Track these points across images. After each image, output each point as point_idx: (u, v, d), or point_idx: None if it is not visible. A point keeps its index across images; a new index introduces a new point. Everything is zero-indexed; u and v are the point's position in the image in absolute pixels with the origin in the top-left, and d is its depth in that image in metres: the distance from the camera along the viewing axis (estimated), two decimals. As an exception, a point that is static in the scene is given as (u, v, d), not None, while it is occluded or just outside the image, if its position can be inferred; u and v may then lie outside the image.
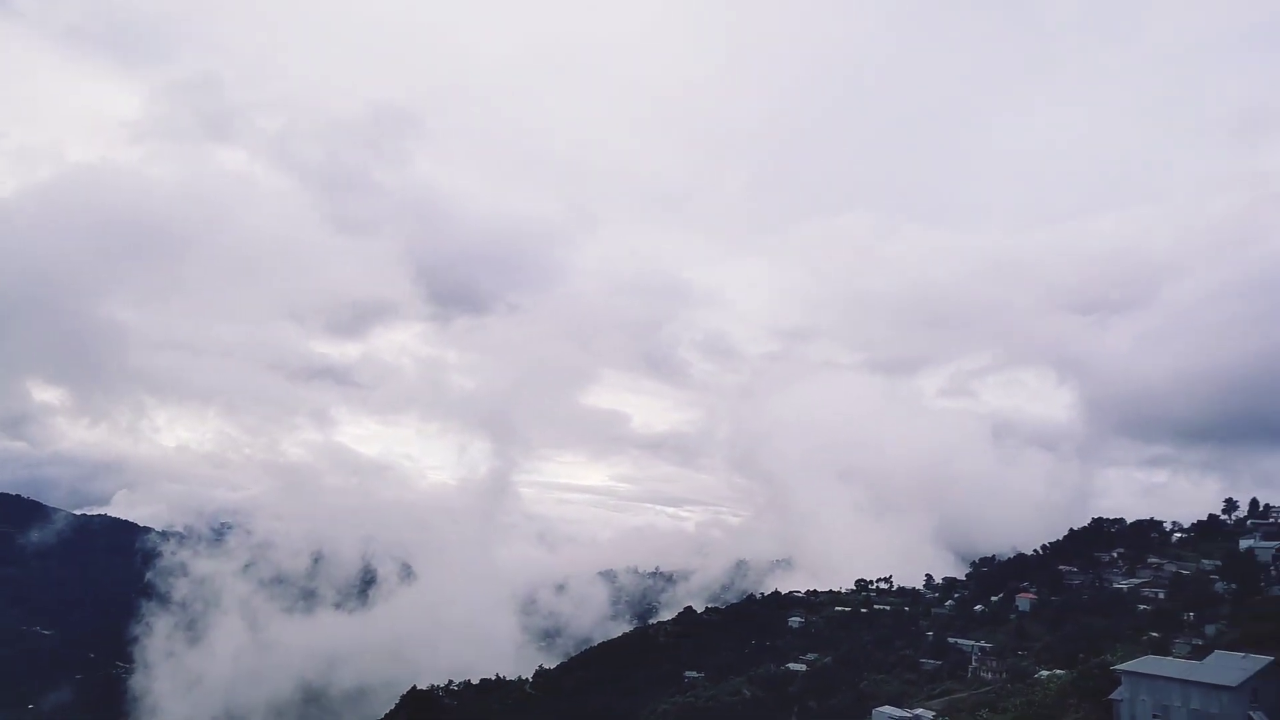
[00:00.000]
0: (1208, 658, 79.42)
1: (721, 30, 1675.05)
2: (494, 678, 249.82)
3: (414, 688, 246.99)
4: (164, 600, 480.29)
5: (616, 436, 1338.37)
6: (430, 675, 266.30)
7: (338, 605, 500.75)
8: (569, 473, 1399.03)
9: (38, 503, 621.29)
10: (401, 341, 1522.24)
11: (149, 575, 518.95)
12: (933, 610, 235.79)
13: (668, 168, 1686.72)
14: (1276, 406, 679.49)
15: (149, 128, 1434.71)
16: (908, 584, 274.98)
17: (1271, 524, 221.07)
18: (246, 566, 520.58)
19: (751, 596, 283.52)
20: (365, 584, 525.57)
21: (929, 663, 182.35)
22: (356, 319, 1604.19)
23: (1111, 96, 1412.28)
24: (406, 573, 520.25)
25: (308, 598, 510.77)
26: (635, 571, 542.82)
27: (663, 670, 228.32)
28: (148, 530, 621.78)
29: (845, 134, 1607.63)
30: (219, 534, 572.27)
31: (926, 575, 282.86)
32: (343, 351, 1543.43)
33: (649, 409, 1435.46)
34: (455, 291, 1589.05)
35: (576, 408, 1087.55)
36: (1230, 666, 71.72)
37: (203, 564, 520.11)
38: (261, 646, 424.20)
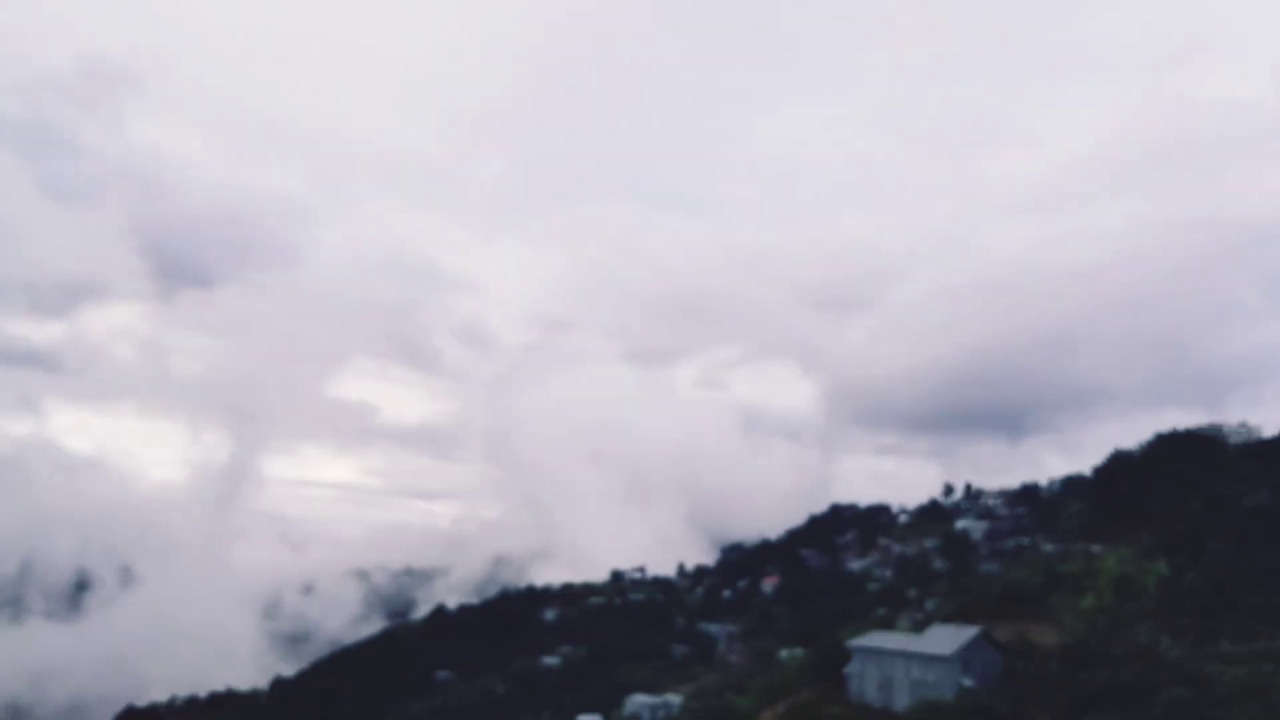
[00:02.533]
0: (926, 631, 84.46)
1: (480, 8, 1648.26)
2: (225, 690, 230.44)
3: (129, 706, 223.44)
4: None
5: (365, 428, 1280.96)
6: (158, 688, 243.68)
7: (47, 615, 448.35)
8: (313, 467, 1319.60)
9: None
10: (117, 322, 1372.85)
11: None
12: (684, 598, 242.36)
13: (421, 146, 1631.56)
14: (989, 399, 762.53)
15: None
16: (662, 572, 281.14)
17: (983, 506, 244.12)
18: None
19: (506, 592, 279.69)
20: (79, 591, 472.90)
21: (680, 649, 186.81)
22: (64, 297, 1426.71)
23: (852, 101, 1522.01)
24: (127, 577, 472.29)
25: (11, 606, 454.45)
26: (388, 570, 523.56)
27: (413, 672, 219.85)
28: None
29: (603, 122, 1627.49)
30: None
31: (679, 563, 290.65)
32: (47, 333, 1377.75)
33: (400, 399, 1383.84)
34: (181, 269, 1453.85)
35: (320, 397, 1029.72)
36: (945, 638, 76.33)
37: None
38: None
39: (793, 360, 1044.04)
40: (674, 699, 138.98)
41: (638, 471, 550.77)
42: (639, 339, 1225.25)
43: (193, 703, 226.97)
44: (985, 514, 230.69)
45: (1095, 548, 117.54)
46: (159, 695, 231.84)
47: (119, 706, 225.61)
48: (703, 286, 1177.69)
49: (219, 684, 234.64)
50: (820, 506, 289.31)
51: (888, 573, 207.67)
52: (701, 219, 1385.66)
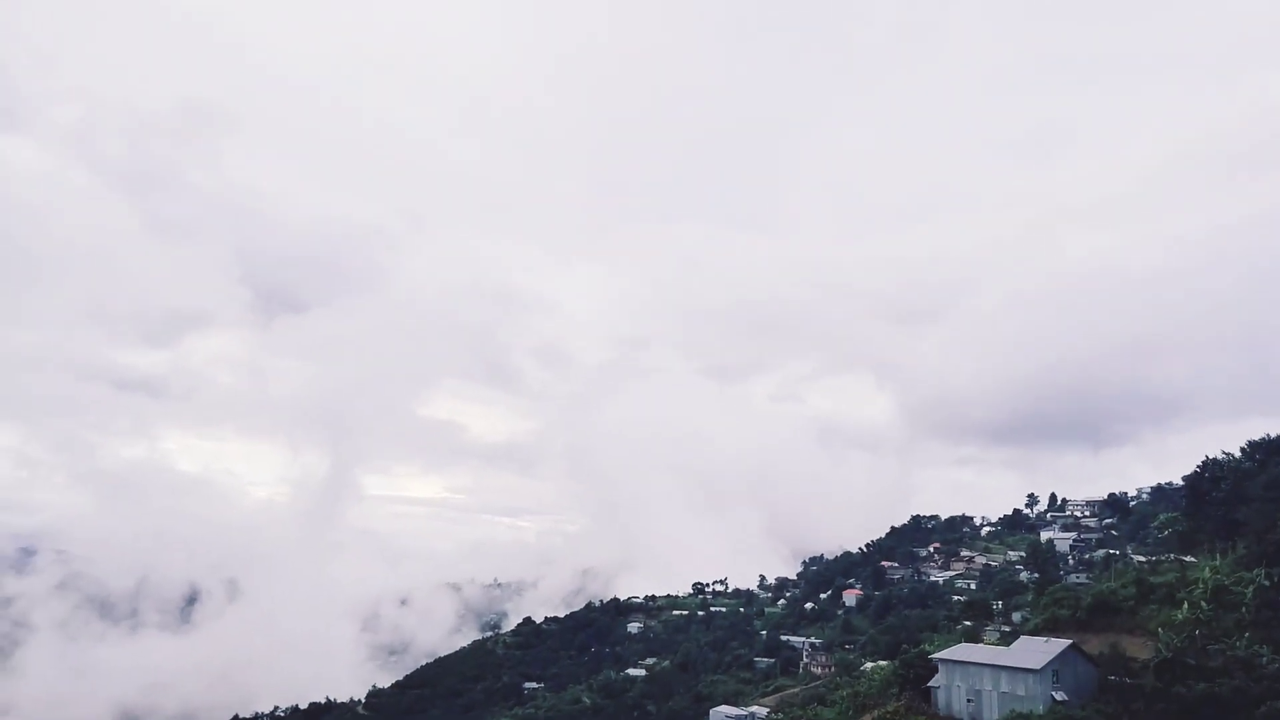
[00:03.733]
0: (1014, 643, 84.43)
1: (551, 36, 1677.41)
2: (324, 700, 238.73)
3: (235, 716, 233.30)
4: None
5: (452, 446, 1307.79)
6: (264, 697, 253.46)
7: (161, 627, 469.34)
8: (403, 485, 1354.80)
9: None
10: (219, 350, 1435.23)
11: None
12: (766, 610, 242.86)
13: (498, 171, 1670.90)
14: (1069, 408, 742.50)
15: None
16: (743, 584, 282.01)
17: (1068, 517, 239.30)
18: (56, 588, 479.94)
19: (590, 604, 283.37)
20: (189, 604, 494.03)
21: (763, 661, 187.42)
22: (170, 326, 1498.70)
23: (921, 113, 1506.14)
24: (234, 591, 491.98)
25: (127, 619, 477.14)
26: (479, 584, 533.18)
27: (502, 683, 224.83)
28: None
29: (675, 144, 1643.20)
30: (25, 556, 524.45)
31: (760, 575, 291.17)
32: (155, 361, 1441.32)
33: (485, 418, 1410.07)
34: (277, 297, 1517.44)
35: (410, 417, 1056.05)
36: (1034, 651, 76.41)
37: (5, 588, 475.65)
38: (76, 672, 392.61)
39: (868, 373, 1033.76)
40: (759, 711, 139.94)
41: (717, 484, 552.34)
42: (714, 355, 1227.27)
43: (294, 713, 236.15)
44: (1071, 524, 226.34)
45: (1188, 558, 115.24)
46: (264, 705, 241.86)
47: (226, 715, 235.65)
48: (776, 301, 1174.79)
49: (320, 694, 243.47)
50: (900, 518, 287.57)
51: (971, 584, 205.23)
52: (772, 235, 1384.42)
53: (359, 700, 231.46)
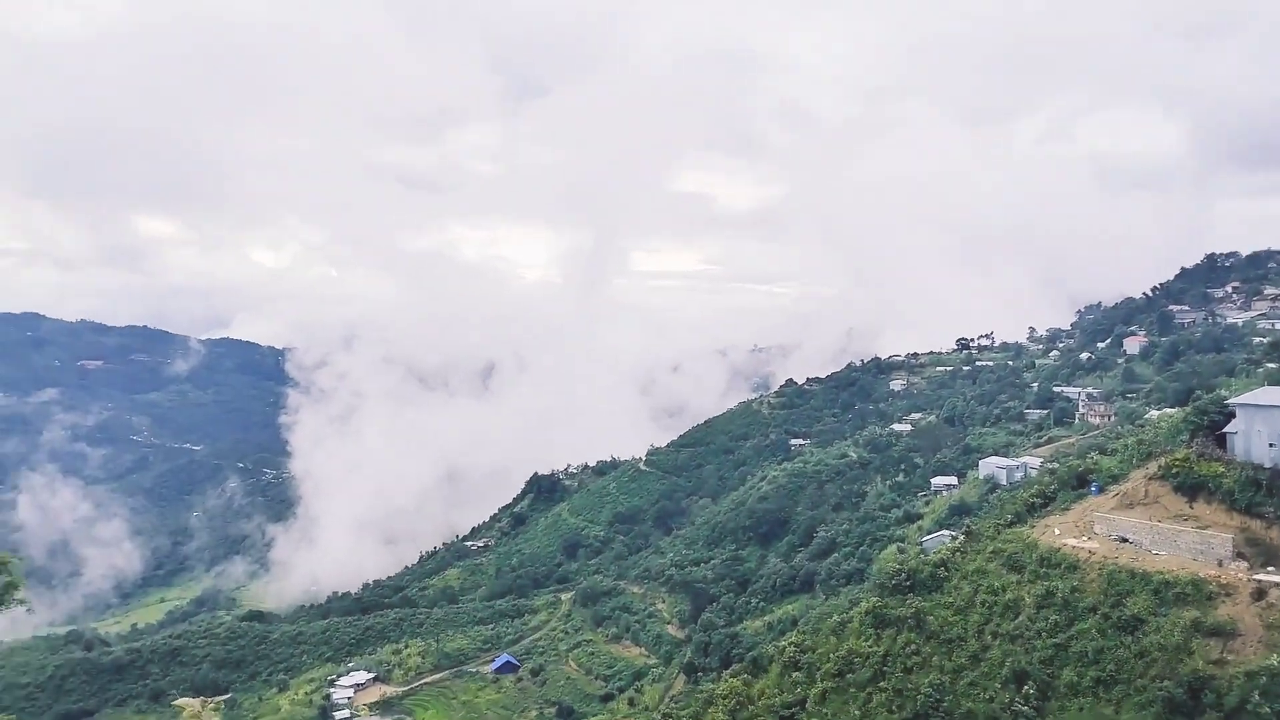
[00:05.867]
0: (1329, 385, 77.53)
1: None
2: (609, 459, 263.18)
3: (536, 473, 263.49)
4: (306, 403, 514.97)
5: (701, 219, 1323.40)
6: (561, 454, 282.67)
7: (466, 395, 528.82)
8: (658, 260, 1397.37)
9: (165, 331, 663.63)
10: (478, 141, 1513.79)
11: (287, 384, 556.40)
12: (1037, 362, 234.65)
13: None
14: None
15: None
16: (1010, 338, 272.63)
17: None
18: (380, 363, 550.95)
19: (851, 364, 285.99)
20: (486, 375, 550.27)
21: (1034, 413, 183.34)
22: (431, 124, 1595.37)
23: None
24: (522, 364, 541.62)
25: (443, 388, 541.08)
26: (745, 349, 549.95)
27: (769, 440, 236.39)
28: (273, 349, 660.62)
29: None
30: (345, 341, 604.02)
31: (1029, 328, 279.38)
32: (423, 155, 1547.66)
33: (731, 187, 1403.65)
34: (523, 83, 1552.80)
35: (659, 192, 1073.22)
36: (1353, 391, 69.95)
37: (336, 368, 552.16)
38: (405, 433, 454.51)
39: (1151, 100, 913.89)
40: (1031, 461, 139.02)
41: (980, 237, 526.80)
42: (971, 99, 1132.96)
43: (584, 469, 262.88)
44: None
45: None
46: (559, 462, 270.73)
47: (530, 471, 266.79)
48: (1036, 30, 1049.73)
49: (607, 453, 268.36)
50: (1192, 258, 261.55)
51: (1277, 324, 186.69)
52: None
53: (639, 458, 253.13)
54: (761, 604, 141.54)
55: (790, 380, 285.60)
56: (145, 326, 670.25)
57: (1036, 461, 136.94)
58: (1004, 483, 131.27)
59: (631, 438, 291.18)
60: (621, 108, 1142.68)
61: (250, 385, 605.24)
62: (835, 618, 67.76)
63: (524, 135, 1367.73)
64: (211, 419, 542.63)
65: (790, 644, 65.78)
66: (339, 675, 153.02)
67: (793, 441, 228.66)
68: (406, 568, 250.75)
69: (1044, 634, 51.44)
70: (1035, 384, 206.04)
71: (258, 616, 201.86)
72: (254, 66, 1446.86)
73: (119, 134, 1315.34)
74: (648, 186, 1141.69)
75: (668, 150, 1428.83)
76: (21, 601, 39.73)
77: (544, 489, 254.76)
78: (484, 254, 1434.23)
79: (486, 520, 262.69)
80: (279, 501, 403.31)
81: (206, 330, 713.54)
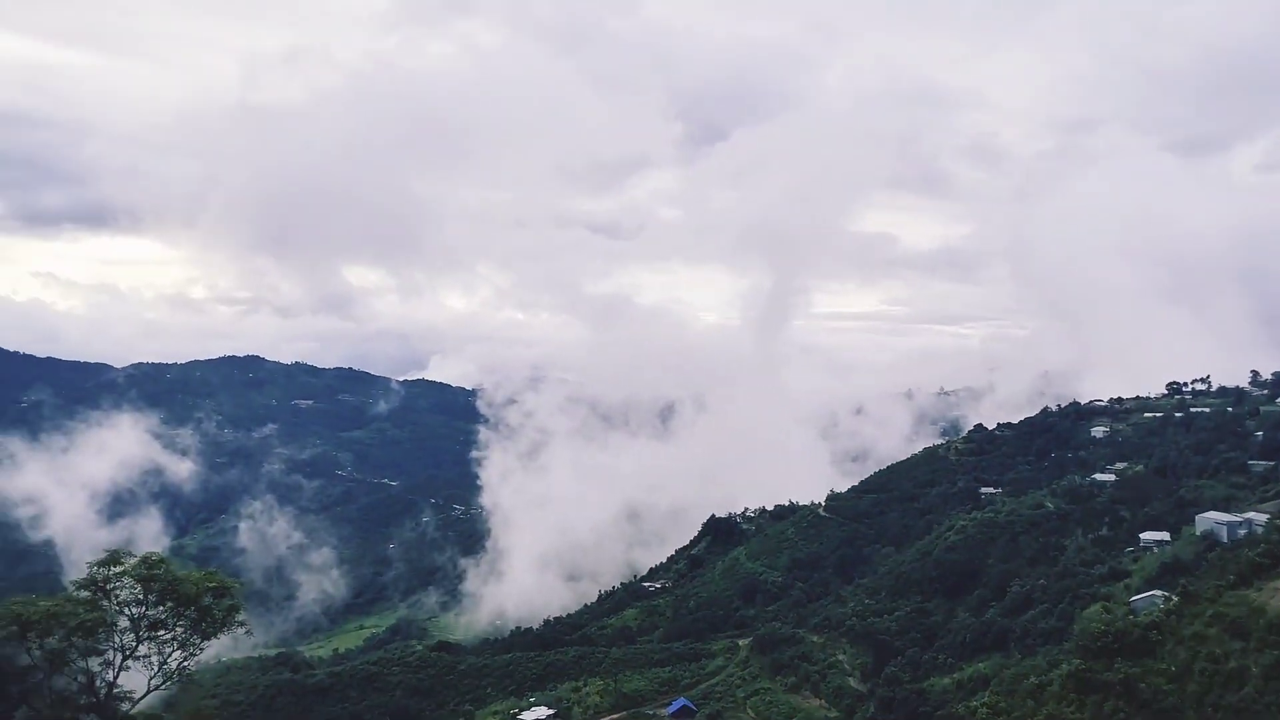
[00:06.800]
0: None
1: None
2: (787, 503, 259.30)
3: (713, 515, 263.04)
4: (495, 440, 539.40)
5: (884, 259, 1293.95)
6: (740, 497, 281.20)
7: (646, 435, 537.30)
8: (838, 301, 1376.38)
9: (367, 373, 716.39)
10: (658, 187, 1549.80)
11: (477, 423, 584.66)
12: (1262, 408, 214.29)
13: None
14: None
15: (395, 18, 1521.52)
16: (1229, 383, 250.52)
17: None
18: (563, 405, 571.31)
19: (1047, 409, 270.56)
20: (666, 416, 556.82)
21: (1260, 464, 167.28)
22: (613, 172, 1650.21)
23: None
24: (700, 405, 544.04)
25: (625, 427, 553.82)
26: (931, 392, 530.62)
27: (957, 487, 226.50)
28: (463, 389, 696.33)
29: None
30: (532, 382, 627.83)
31: (1252, 371, 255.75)
32: (607, 205, 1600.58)
33: (915, 227, 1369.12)
34: (702, 129, 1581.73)
35: (841, 233, 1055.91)
36: None
37: (523, 407, 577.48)
38: (588, 471, 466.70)
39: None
40: (1257, 517, 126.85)
41: (1190, 273, 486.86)
42: (1179, 127, 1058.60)
43: (762, 513, 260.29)
44: None
45: None
46: (738, 506, 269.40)
47: (708, 512, 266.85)
48: (1253, 54, 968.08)
49: (787, 496, 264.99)
50: None
51: None
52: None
53: (819, 503, 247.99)
54: (950, 660, 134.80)
55: (980, 425, 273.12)
56: (351, 369, 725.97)
57: (1263, 518, 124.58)
58: (1224, 540, 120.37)
59: (810, 482, 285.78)
60: (802, 149, 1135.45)
61: (443, 424, 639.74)
62: (1033, 679, 63.79)
63: (704, 179, 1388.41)
64: (407, 455, 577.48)
65: (983, 705, 62.48)
66: (521, 709, 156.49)
67: (983, 490, 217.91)
68: (585, 605, 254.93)
69: (1274, 709, 46.58)
70: (1260, 432, 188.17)
71: (446, 647, 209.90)
72: (453, 125, 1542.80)
73: (332, 192, 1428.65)
74: (829, 227, 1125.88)
75: (850, 190, 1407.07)
76: (242, 624, 41.77)
77: (721, 532, 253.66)
78: (664, 297, 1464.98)
79: (664, 561, 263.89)
80: (469, 535, 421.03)
81: (404, 371, 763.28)
